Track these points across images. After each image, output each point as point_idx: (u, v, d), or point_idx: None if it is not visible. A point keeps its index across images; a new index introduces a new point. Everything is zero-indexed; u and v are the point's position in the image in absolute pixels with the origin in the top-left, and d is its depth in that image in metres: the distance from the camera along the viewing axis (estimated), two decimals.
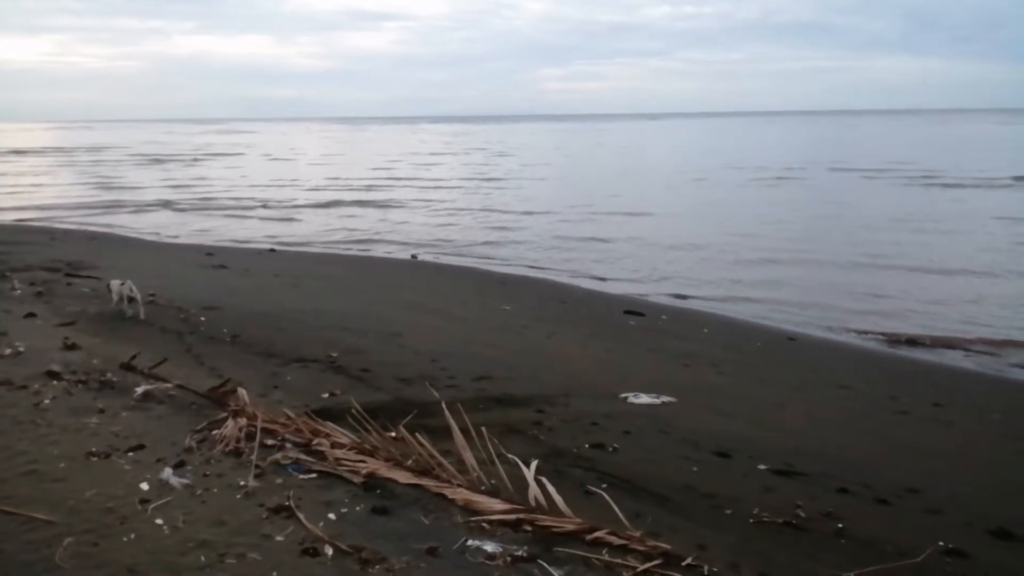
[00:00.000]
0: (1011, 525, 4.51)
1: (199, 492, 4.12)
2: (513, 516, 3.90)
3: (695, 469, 5.10)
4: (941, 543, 4.19)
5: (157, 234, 20.69)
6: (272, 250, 17.93)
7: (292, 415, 5.21)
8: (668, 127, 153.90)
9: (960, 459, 6.05)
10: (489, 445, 4.36)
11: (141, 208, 27.28)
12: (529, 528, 3.83)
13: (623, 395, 6.86)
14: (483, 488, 4.25)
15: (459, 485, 4.26)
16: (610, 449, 5.36)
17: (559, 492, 4.10)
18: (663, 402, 6.74)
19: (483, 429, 4.48)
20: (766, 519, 4.33)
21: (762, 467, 5.21)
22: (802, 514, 4.43)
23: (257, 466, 4.43)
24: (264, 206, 27.89)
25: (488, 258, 17.74)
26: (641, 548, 3.64)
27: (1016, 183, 31.71)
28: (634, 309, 11.99)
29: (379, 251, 18.86)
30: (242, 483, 4.23)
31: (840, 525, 4.33)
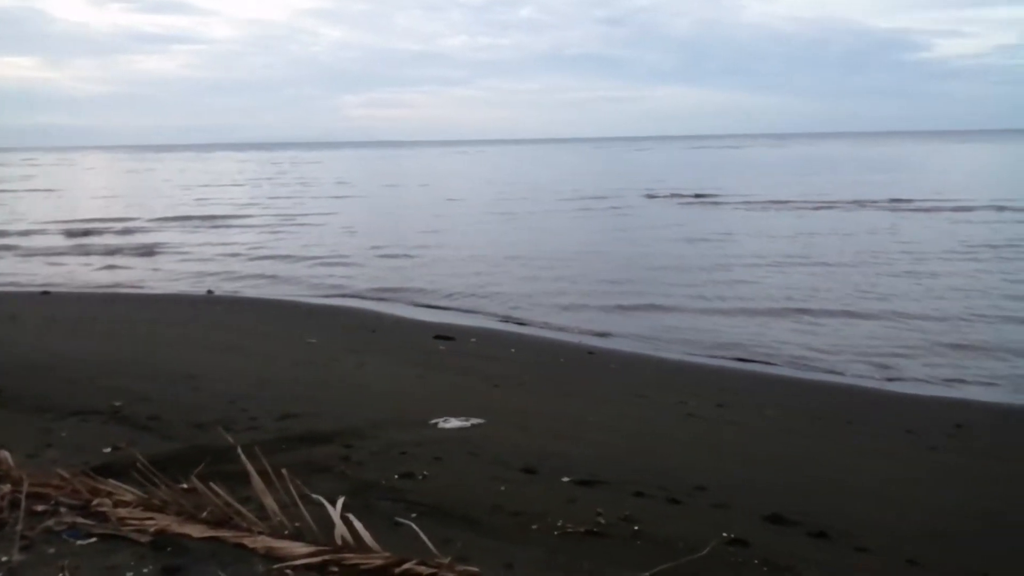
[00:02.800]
0: (782, 510, 4.99)
1: None
2: (318, 558, 3.75)
3: (503, 488, 5.19)
4: (725, 534, 4.54)
5: None
6: (46, 292, 16.24)
7: (67, 475, 4.70)
8: (473, 153, 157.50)
9: (741, 454, 6.64)
10: (291, 486, 4.18)
11: None
12: (336, 569, 3.70)
13: (433, 421, 6.87)
14: (287, 533, 4.05)
15: (260, 532, 4.04)
16: (420, 477, 5.34)
17: (368, 527, 4.00)
18: (473, 424, 6.83)
19: (283, 471, 4.29)
20: (570, 530, 4.49)
21: (566, 479, 5.41)
22: (603, 521, 4.64)
23: (24, 536, 3.94)
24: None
25: (295, 289, 17.18)
26: (450, 574, 3.64)
27: (774, 205, 35.66)
28: (444, 334, 12.08)
29: (171, 287, 17.67)
30: (4, 559, 3.75)
31: (637, 528, 4.58)
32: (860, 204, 34.25)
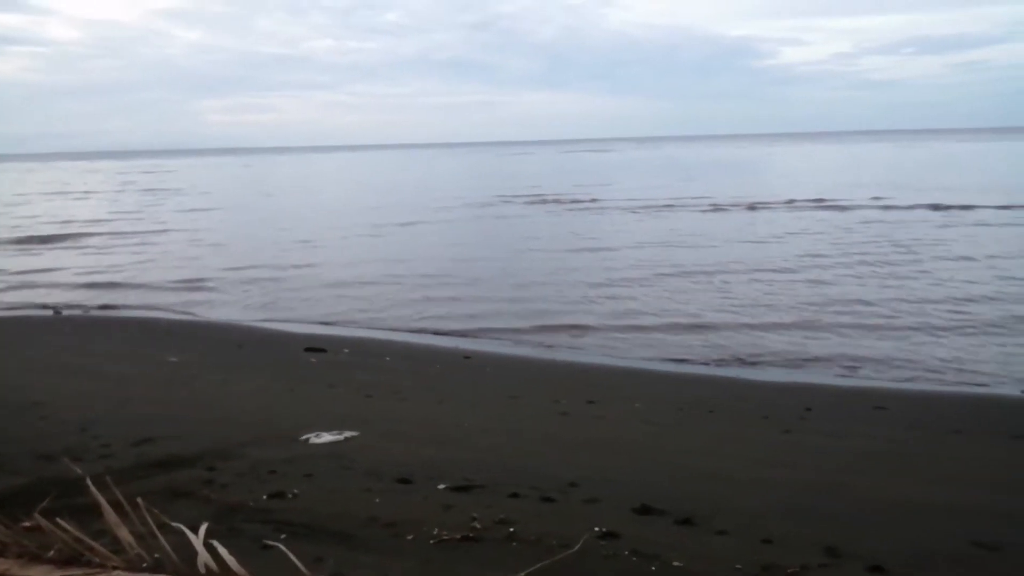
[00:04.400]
0: (650, 500, 5.18)
1: None
2: None
3: (378, 500, 5.12)
4: (597, 528, 4.67)
5: None
6: None
7: None
8: (343, 160, 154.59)
9: (611, 448, 6.84)
10: (147, 516, 3.95)
11: None
12: None
13: (304, 436, 6.68)
14: (145, 566, 3.82)
15: (115, 568, 3.78)
16: (290, 496, 5.18)
17: (234, 552, 3.82)
18: (346, 438, 6.69)
19: (139, 499, 4.05)
20: (446, 537, 4.49)
21: (441, 486, 5.40)
22: (478, 525, 4.67)
23: None
24: None
25: (153, 307, 16.25)
26: None
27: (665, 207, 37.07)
28: (315, 346, 11.79)
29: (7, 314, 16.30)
30: None
31: (512, 529, 4.63)
32: (717, 206, 36.19)
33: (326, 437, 6.65)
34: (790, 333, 12.88)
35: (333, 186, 64.76)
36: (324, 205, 42.11)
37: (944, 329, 12.84)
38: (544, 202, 40.16)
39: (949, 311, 14.03)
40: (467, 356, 11.57)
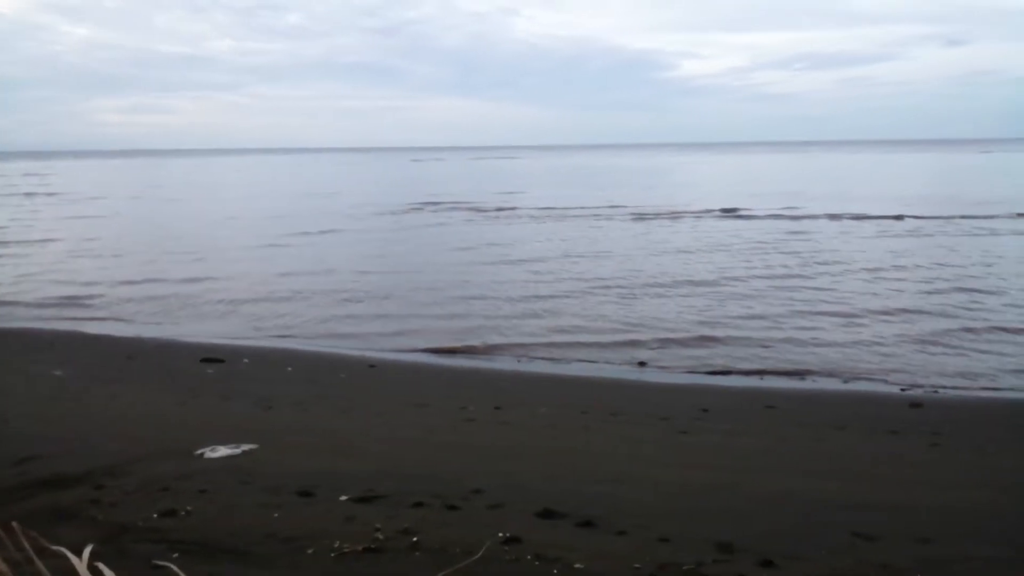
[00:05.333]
0: (553, 504, 5.26)
1: None
2: None
3: (277, 515, 5.00)
4: (500, 534, 4.70)
5: None
6: None
7: None
8: (248, 163, 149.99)
9: (516, 453, 6.90)
10: (24, 539, 3.73)
11: None
12: None
13: (199, 451, 6.44)
14: None
15: None
16: (183, 513, 4.99)
17: (121, 574, 3.68)
18: (244, 451, 6.50)
19: (14, 523, 3.82)
20: (347, 549, 4.42)
21: (344, 498, 5.32)
22: (381, 536, 4.62)
23: None
24: None
25: (34, 319, 15.33)
26: None
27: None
28: (212, 356, 11.39)
29: None
30: None
31: (415, 538, 4.61)
32: (612, 212, 37.05)
33: (222, 451, 6.44)
34: (692, 336, 13.31)
35: (235, 191, 62.67)
36: (225, 212, 40.52)
37: (832, 332, 13.56)
38: (458, 209, 40.15)
39: (838, 314, 14.83)
40: (372, 365, 11.43)
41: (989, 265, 20.19)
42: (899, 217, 31.69)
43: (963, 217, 31.16)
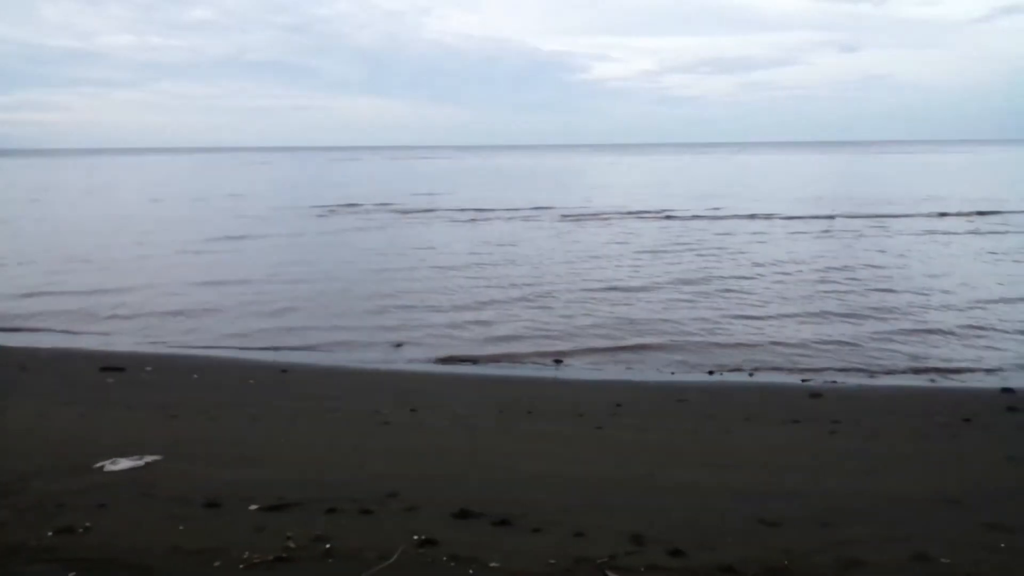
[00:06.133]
0: (469, 504, 5.25)
1: None
2: None
3: (182, 527, 4.82)
4: (416, 537, 4.67)
5: None
6: None
7: None
8: (152, 163, 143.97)
9: (432, 455, 6.86)
10: None
11: None
12: None
13: (98, 464, 6.15)
14: None
15: None
16: (80, 530, 4.74)
17: None
18: (147, 463, 6.23)
19: None
20: (257, 560, 4.30)
21: (253, 507, 5.18)
22: (293, 545, 4.52)
23: None
24: None
25: None
26: None
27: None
28: (113, 365, 10.89)
29: None
30: None
31: (328, 545, 4.53)
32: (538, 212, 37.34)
33: (124, 463, 6.16)
34: (608, 334, 13.54)
35: (136, 193, 59.91)
36: (126, 216, 38.63)
37: (740, 327, 14.05)
38: (378, 211, 39.55)
39: (746, 314, 15.37)
40: (284, 370, 11.15)
41: (887, 263, 21.34)
42: (809, 217, 33.13)
43: (868, 216, 32.81)
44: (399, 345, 12.84)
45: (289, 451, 6.92)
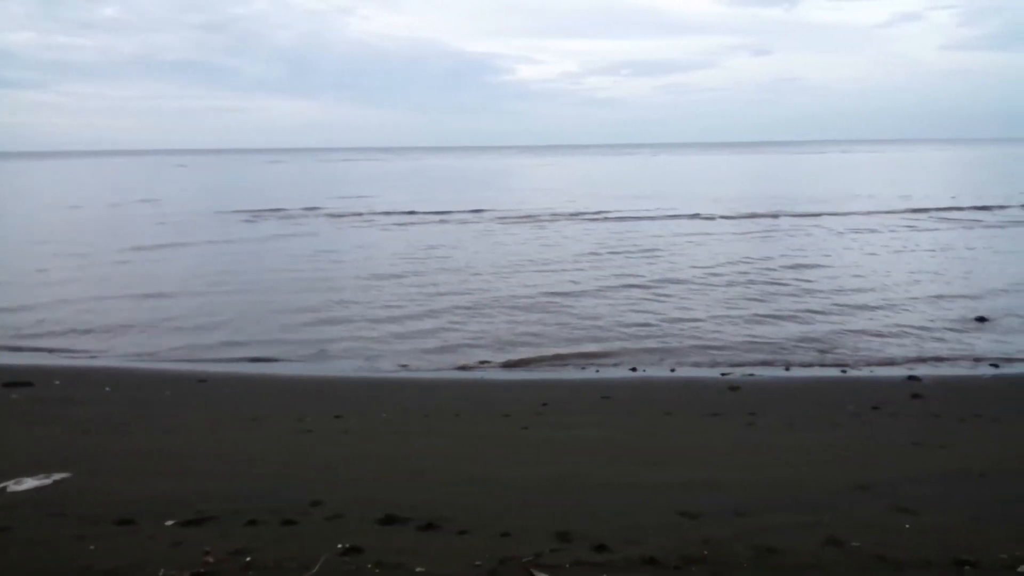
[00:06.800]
0: (395, 510, 5.21)
1: None
2: None
3: (93, 547, 4.62)
4: (340, 545, 4.60)
5: None
6: None
7: None
8: (61, 168, 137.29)
9: (358, 461, 6.78)
10: None
11: None
12: None
13: (1, 485, 5.84)
14: None
15: None
16: None
17: None
18: (54, 481, 5.95)
19: None
20: None
21: (170, 523, 5.00)
22: (211, 559, 4.39)
23: None
24: None
25: None
26: None
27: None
28: (17, 380, 10.36)
29: None
30: None
31: (248, 558, 4.41)
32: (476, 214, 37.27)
33: (29, 483, 5.87)
34: (536, 334, 13.64)
35: (54, 199, 56.94)
36: (44, 224, 36.69)
37: (663, 324, 14.36)
38: (304, 216, 38.66)
39: (667, 309, 15.71)
40: (203, 380, 10.82)
41: (803, 259, 22.14)
42: (723, 217, 34.08)
43: (788, 215, 33.96)
44: (323, 352, 12.63)
45: (207, 463, 6.72)
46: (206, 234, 30.83)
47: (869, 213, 34.34)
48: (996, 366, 11.46)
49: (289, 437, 7.64)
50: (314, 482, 5.98)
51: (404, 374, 11.52)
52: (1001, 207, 35.91)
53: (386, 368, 11.78)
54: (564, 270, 20.59)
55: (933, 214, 33.46)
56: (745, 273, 19.58)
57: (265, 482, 6.02)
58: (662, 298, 16.77)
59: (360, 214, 38.55)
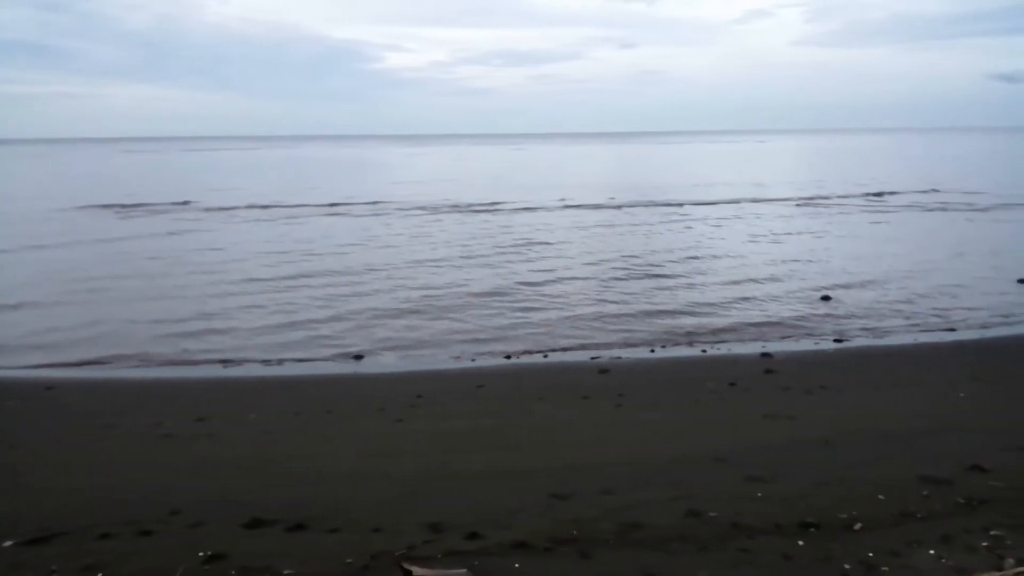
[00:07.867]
0: (262, 513, 5.05)
1: None
2: None
3: None
4: (201, 553, 4.42)
5: None
6: None
7: None
8: None
9: (221, 466, 6.49)
10: None
11: None
12: None
13: None
14: None
15: None
16: None
17: None
18: None
19: None
20: None
21: (8, 543, 4.63)
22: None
23: None
24: None
25: None
26: None
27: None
28: None
29: None
30: None
31: (101, 574, 4.17)
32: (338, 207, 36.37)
33: None
34: (407, 325, 13.52)
35: None
36: None
37: (540, 312, 14.59)
38: (167, 211, 36.32)
39: (533, 304, 15.98)
40: (50, 387, 10.03)
41: (663, 244, 23.09)
42: (597, 206, 34.96)
43: (659, 204, 35.18)
44: (185, 352, 12.02)
45: (54, 477, 6.25)
46: (67, 234, 28.26)
47: (729, 203, 36.18)
48: (840, 341, 12.39)
49: (145, 444, 7.23)
50: (173, 490, 5.70)
51: (272, 371, 11.14)
52: (842, 196, 38.79)
53: (253, 368, 11.35)
54: (431, 261, 20.54)
55: (788, 203, 35.68)
56: (613, 259, 20.20)
57: (119, 493, 5.67)
58: (520, 283, 17.05)
59: (231, 208, 36.54)
